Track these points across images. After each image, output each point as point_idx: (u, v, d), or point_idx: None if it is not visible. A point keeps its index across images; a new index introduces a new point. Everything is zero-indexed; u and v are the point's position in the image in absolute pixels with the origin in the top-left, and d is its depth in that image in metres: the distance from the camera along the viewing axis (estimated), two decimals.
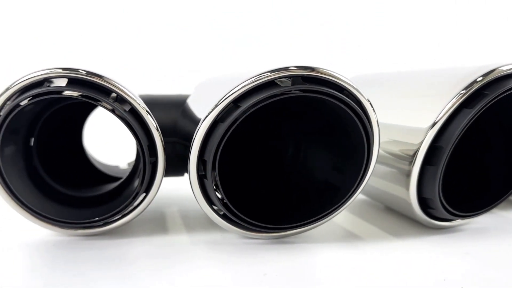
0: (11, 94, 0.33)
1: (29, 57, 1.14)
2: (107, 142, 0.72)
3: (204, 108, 0.35)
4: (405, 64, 1.15)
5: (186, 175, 0.43)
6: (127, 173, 0.42)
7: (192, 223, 0.43)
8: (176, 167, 0.42)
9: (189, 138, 0.38)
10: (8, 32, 1.16)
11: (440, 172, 0.36)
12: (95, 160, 0.50)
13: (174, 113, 0.44)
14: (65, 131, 0.48)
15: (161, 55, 1.20)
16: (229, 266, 0.33)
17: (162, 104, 0.43)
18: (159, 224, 0.43)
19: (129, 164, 0.52)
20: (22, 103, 0.33)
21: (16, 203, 0.36)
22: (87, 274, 0.32)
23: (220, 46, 1.21)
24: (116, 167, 0.51)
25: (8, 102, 0.33)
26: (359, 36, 1.23)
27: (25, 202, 0.35)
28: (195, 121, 0.37)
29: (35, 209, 0.36)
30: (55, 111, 0.41)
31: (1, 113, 0.33)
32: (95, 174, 0.48)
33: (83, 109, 0.49)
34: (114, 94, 0.34)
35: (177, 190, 0.50)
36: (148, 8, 1.20)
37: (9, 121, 0.33)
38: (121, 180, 0.42)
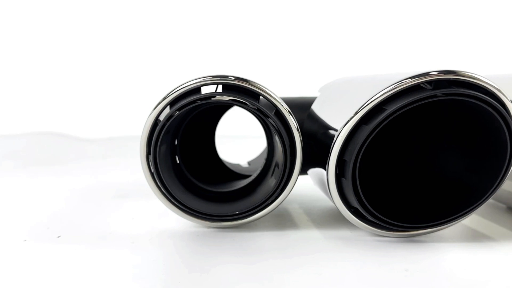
0: (168, 102, 0.37)
1: (29, 57, 1.21)
2: None
3: (342, 112, 0.37)
4: (406, 64, 1.14)
5: (310, 173, 0.45)
6: (258, 171, 0.45)
7: (317, 219, 0.45)
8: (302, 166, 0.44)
9: (319, 139, 0.40)
10: (8, 32, 1.23)
11: None
12: (222, 158, 0.54)
13: (299, 114, 0.46)
14: (201, 132, 0.52)
15: (161, 55, 1.23)
16: (370, 261, 0.35)
17: (289, 105, 0.46)
18: (287, 219, 0.45)
19: (248, 162, 0.55)
20: (181, 110, 0.36)
21: (167, 198, 0.39)
22: (233, 263, 0.34)
23: (220, 46, 1.23)
24: (238, 165, 0.54)
25: (166, 108, 0.37)
26: (359, 36, 1.22)
27: (177, 197, 0.39)
28: (330, 123, 0.39)
29: (185, 204, 0.39)
30: (197, 113, 0.45)
31: (160, 118, 0.37)
32: (224, 172, 0.51)
33: (218, 111, 0.52)
34: (261, 98, 0.37)
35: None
36: (148, 8, 1.23)
37: (168, 125, 0.37)
38: (253, 177, 0.45)
